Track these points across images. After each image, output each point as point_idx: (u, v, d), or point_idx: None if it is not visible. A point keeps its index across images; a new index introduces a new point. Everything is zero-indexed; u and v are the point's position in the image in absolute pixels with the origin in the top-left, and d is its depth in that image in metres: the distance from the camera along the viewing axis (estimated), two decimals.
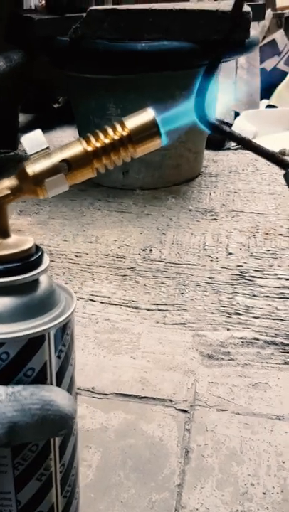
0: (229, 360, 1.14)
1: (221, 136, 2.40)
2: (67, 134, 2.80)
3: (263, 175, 2.15)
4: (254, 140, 2.37)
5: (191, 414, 0.99)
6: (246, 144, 0.54)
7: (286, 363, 1.12)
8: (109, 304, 1.33)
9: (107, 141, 0.53)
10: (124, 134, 0.53)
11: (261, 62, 3.35)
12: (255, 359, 1.14)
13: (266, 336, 1.21)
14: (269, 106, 3.09)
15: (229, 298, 1.35)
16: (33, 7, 2.60)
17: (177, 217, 1.81)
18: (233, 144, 2.45)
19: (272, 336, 1.20)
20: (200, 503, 0.83)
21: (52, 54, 2.01)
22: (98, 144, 0.53)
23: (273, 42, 3.68)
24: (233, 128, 2.54)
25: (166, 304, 1.33)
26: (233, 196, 1.97)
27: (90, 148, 0.52)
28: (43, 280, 0.55)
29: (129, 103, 1.91)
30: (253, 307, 1.31)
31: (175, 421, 0.98)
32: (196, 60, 1.81)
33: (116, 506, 0.82)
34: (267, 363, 1.13)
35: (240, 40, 1.88)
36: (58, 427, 0.50)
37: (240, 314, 1.28)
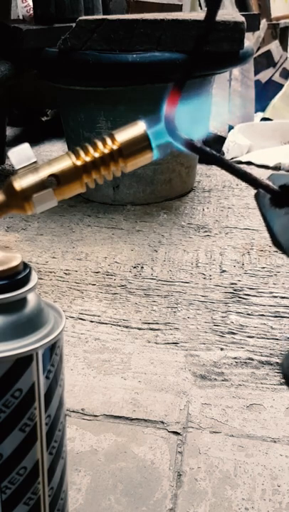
0: (223, 380, 1.12)
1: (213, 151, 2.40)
2: (55, 148, 2.80)
3: None
4: (249, 154, 2.37)
5: (184, 436, 0.98)
6: (218, 162, 0.52)
7: (281, 384, 1.11)
8: (99, 323, 1.32)
9: (96, 154, 0.52)
10: (115, 147, 0.52)
11: (256, 74, 3.36)
12: (250, 380, 1.12)
13: (261, 355, 1.19)
14: (264, 119, 3.09)
15: (223, 317, 1.33)
16: (20, 17, 2.59)
17: (169, 233, 1.79)
18: (228, 157, 2.43)
19: (267, 356, 1.19)
20: None
21: (40, 65, 2.01)
22: (88, 158, 0.52)
23: (268, 53, 3.69)
24: (227, 142, 2.53)
25: (157, 323, 1.31)
26: (226, 212, 1.96)
27: (79, 163, 0.52)
28: (31, 298, 0.55)
29: (119, 116, 1.91)
30: (247, 326, 1.30)
31: (167, 443, 0.96)
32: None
33: None
34: (262, 383, 1.11)
35: (233, 52, 1.87)
36: None
37: (234, 333, 1.27)
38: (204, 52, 0.51)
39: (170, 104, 0.51)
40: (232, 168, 0.51)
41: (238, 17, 1.90)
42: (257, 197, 0.51)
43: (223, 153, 2.47)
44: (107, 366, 1.17)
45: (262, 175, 0.48)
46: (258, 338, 1.25)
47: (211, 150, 0.51)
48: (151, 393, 1.09)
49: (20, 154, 0.52)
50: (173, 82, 0.52)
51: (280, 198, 0.49)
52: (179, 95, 0.51)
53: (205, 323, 1.31)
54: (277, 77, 3.55)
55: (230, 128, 2.70)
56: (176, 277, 1.52)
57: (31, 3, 2.29)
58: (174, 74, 1.79)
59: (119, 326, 1.31)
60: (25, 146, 0.53)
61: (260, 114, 3.15)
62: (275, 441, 0.97)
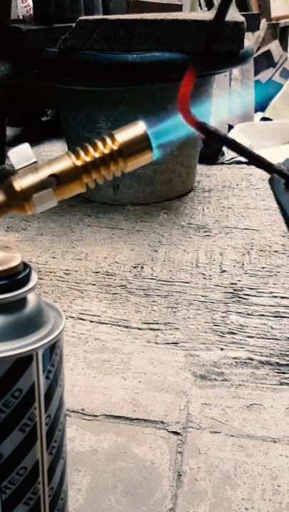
0: (223, 380, 1.12)
1: (214, 150, 2.39)
2: (56, 148, 2.80)
3: (258, 190, 2.13)
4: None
5: (184, 436, 0.98)
6: (232, 145, 0.52)
7: (281, 384, 1.10)
8: (99, 323, 1.32)
9: (96, 155, 0.52)
10: (115, 147, 0.52)
11: (256, 74, 3.36)
12: (250, 380, 1.12)
13: (261, 355, 1.19)
14: (264, 119, 3.09)
15: (223, 317, 1.33)
16: (20, 17, 2.59)
17: (169, 233, 1.79)
18: (226, 158, 2.43)
19: (267, 356, 1.19)
20: None
21: (40, 65, 2.00)
22: (88, 158, 0.52)
23: (268, 53, 3.69)
24: None
25: (157, 323, 1.31)
26: (226, 212, 1.95)
27: (79, 163, 0.52)
28: (31, 298, 0.55)
29: (119, 116, 1.91)
30: (247, 326, 1.29)
31: (167, 443, 0.96)
32: None
33: None
34: (262, 383, 1.11)
35: (233, 52, 1.87)
36: None
37: (234, 333, 1.27)
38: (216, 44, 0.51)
39: (185, 86, 0.51)
40: (245, 151, 0.52)
41: (238, 17, 1.90)
42: (271, 182, 0.52)
43: (223, 153, 2.47)
44: (107, 366, 1.17)
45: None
46: (258, 338, 1.25)
47: (225, 134, 0.52)
48: (151, 393, 1.08)
49: (20, 154, 0.52)
50: (191, 60, 0.52)
51: None
52: (194, 78, 0.51)
53: (205, 323, 1.31)
54: (277, 77, 3.55)
55: (230, 128, 2.70)
56: (176, 277, 1.52)
57: (31, 3, 2.29)
58: (174, 74, 1.79)
59: (119, 326, 1.31)
60: (25, 146, 0.53)
61: (260, 114, 3.15)
62: (275, 441, 0.97)
